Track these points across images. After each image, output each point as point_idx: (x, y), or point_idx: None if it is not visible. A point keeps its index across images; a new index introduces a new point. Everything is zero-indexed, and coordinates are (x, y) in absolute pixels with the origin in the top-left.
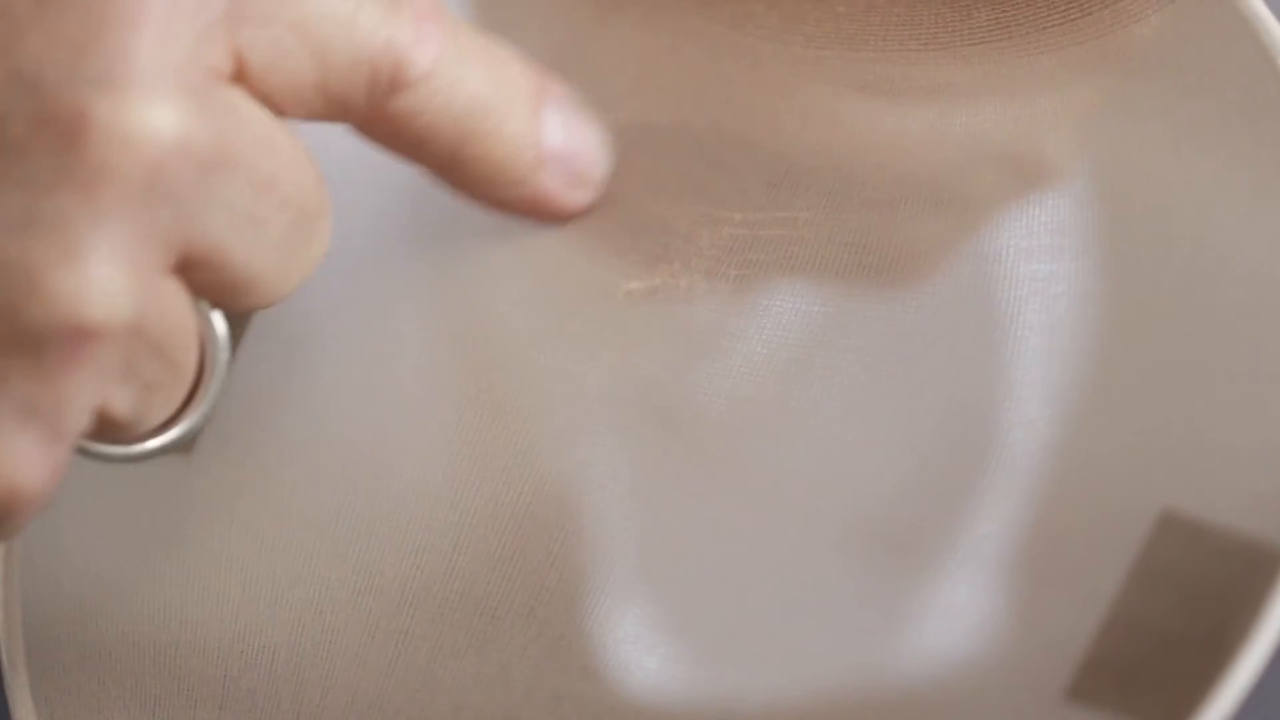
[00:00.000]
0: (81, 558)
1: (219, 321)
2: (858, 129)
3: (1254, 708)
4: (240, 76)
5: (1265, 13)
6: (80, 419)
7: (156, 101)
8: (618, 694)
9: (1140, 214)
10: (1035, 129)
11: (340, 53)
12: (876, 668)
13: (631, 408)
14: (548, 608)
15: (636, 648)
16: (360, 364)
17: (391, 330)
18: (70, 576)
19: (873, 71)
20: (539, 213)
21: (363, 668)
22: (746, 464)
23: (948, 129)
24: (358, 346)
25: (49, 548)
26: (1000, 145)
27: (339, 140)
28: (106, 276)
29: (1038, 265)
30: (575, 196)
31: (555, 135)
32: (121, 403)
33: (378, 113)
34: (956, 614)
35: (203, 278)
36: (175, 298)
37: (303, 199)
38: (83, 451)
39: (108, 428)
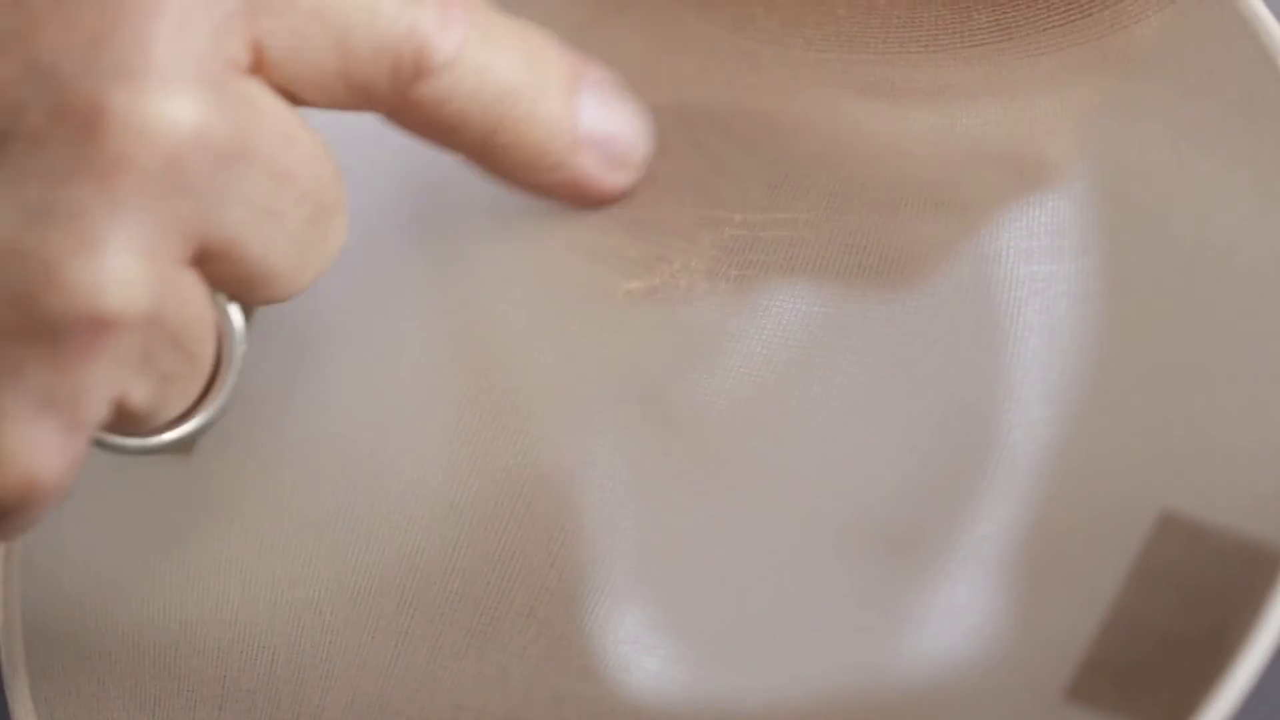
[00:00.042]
0: (81, 558)
1: (236, 315)
2: (858, 131)
3: (1254, 708)
4: (260, 66)
5: (1265, 13)
6: (98, 409)
7: (174, 93)
8: (618, 694)
9: (1140, 214)
10: (1035, 130)
11: (362, 40)
12: (876, 668)
13: (631, 408)
14: (548, 608)
15: (636, 648)
16: (360, 364)
17: (391, 330)
18: (70, 576)
19: (873, 73)
20: (579, 196)
21: (362, 668)
22: (746, 464)
23: (948, 130)
24: (358, 346)
25: (49, 548)
26: (1000, 146)
27: (339, 140)
28: (124, 266)
29: (1038, 266)
30: (615, 179)
31: (592, 118)
32: (139, 394)
33: (403, 100)
34: (956, 614)
35: (220, 270)
36: (193, 289)
37: (320, 193)
38: (99, 443)
39: (125, 419)
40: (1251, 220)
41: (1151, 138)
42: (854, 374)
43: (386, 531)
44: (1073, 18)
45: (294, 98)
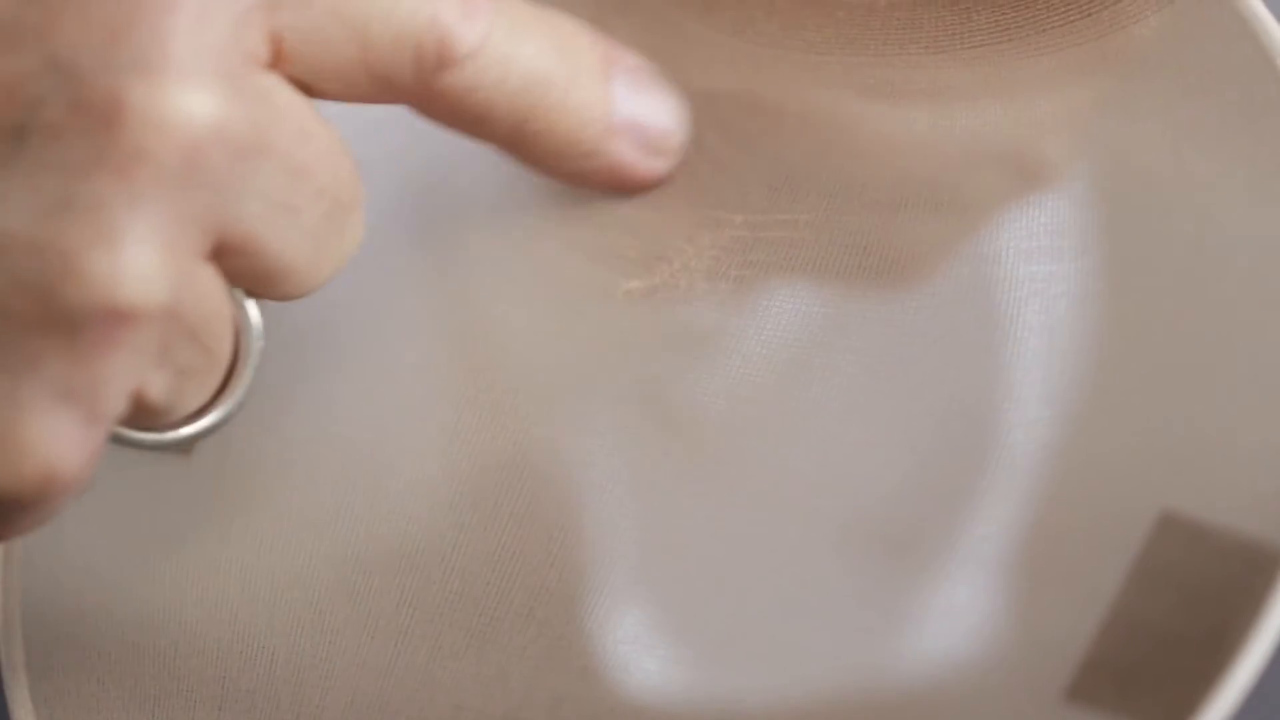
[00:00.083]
0: (81, 558)
1: (254, 310)
2: (858, 132)
3: (1254, 708)
4: (280, 59)
5: (1264, 13)
6: (117, 402)
7: (191, 87)
8: (617, 695)
9: (1140, 214)
10: (1035, 130)
11: (381, 33)
12: (876, 668)
13: (631, 407)
14: (547, 608)
15: (636, 648)
16: (360, 363)
17: (391, 329)
18: (70, 576)
19: (873, 75)
20: (616, 184)
21: (362, 668)
22: (746, 464)
23: (948, 131)
24: (358, 346)
25: (49, 548)
26: (1000, 147)
27: None
28: (142, 259)
29: (1037, 266)
30: (652, 165)
31: (625, 105)
32: (157, 387)
33: (428, 91)
34: (956, 614)
35: (237, 264)
36: (210, 283)
37: (337, 189)
38: (116, 438)
39: (143, 412)
40: (1251, 220)
41: (1151, 138)
42: (854, 374)
43: (386, 531)
44: (1072, 18)
45: (315, 90)
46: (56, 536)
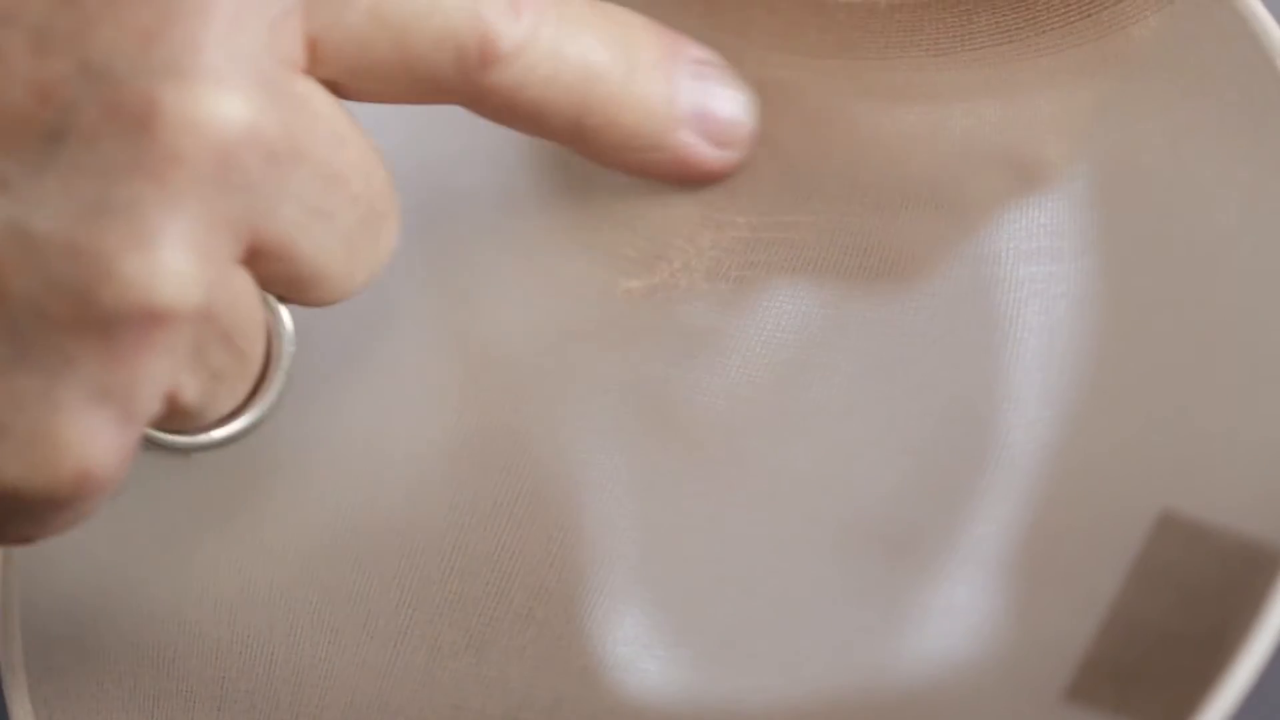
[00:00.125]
0: (81, 558)
1: (286, 316)
2: (859, 134)
3: (1254, 708)
4: (319, 62)
5: (1264, 14)
6: (151, 403)
7: (225, 91)
8: (617, 695)
9: (1139, 215)
10: (1035, 131)
11: (421, 34)
12: (876, 668)
13: (630, 407)
14: (546, 608)
15: (635, 649)
16: (359, 364)
17: (391, 330)
18: (70, 577)
19: (875, 78)
20: (683, 176)
21: (361, 668)
22: (746, 464)
23: (948, 132)
24: (357, 346)
25: (48, 548)
26: (1000, 148)
27: None
28: (177, 261)
29: (1037, 267)
30: (719, 157)
31: (690, 96)
32: (190, 389)
33: (475, 89)
34: (956, 614)
35: (271, 269)
36: (244, 287)
37: (371, 196)
38: (148, 440)
39: (175, 415)
40: (1251, 221)
41: (1151, 138)
42: (854, 374)
43: (385, 532)
44: (1072, 20)
45: (355, 91)
46: (56, 537)
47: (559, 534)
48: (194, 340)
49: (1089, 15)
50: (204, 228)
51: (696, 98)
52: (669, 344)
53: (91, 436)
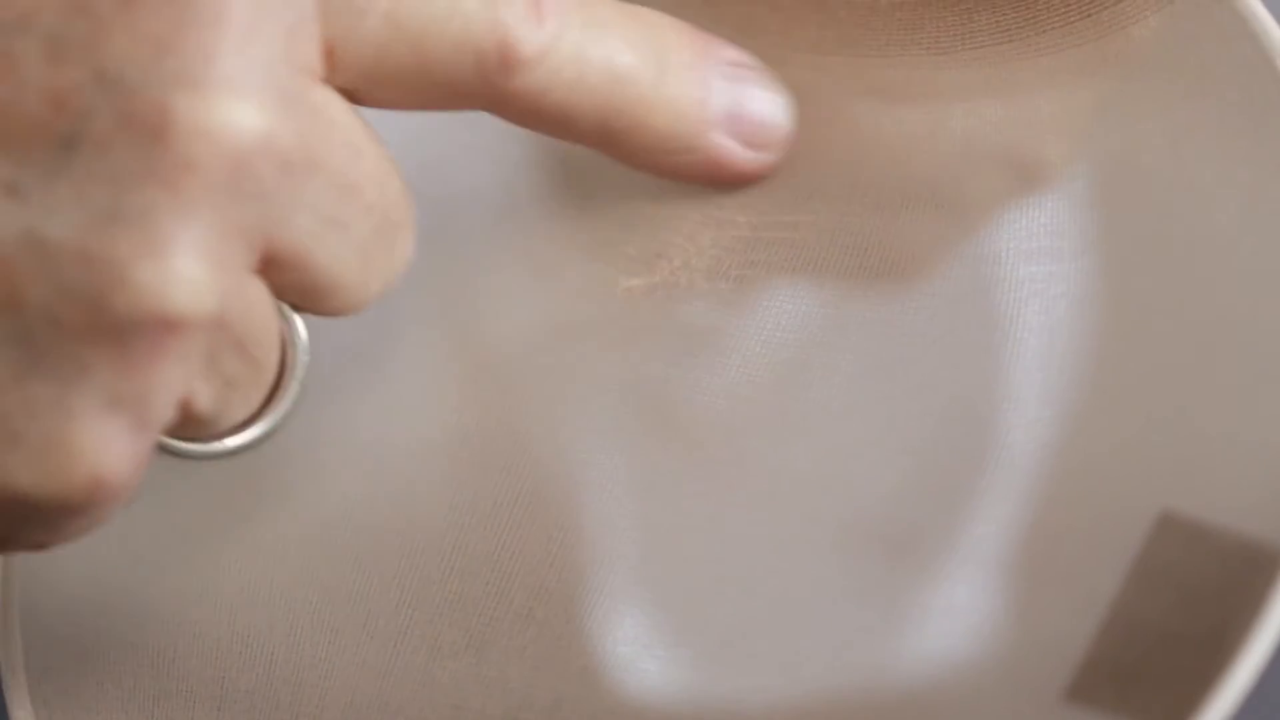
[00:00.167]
0: (81, 558)
1: (301, 326)
2: (860, 133)
3: (1254, 708)
4: (335, 70)
5: (1264, 14)
6: (164, 411)
7: (239, 100)
8: (617, 695)
9: (1139, 215)
10: (1035, 131)
11: (439, 40)
12: (876, 668)
13: (630, 407)
14: (546, 608)
15: (635, 649)
16: (359, 363)
17: (389, 328)
18: (70, 577)
19: (876, 76)
20: (717, 178)
21: (361, 668)
22: (746, 464)
23: (948, 131)
24: (356, 346)
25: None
26: (1000, 147)
27: None
28: (190, 269)
29: (1037, 267)
30: (753, 159)
31: (723, 98)
32: (204, 397)
33: (498, 94)
34: (956, 614)
35: (286, 278)
36: (258, 296)
37: (386, 206)
38: (162, 448)
39: (189, 422)
40: (1251, 221)
41: (1151, 138)
42: (854, 374)
43: (385, 531)
44: (1072, 19)
45: (375, 99)
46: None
47: (559, 534)
48: (208, 348)
49: (1089, 15)
50: (217, 236)
51: (729, 99)
52: (669, 343)
53: (105, 444)
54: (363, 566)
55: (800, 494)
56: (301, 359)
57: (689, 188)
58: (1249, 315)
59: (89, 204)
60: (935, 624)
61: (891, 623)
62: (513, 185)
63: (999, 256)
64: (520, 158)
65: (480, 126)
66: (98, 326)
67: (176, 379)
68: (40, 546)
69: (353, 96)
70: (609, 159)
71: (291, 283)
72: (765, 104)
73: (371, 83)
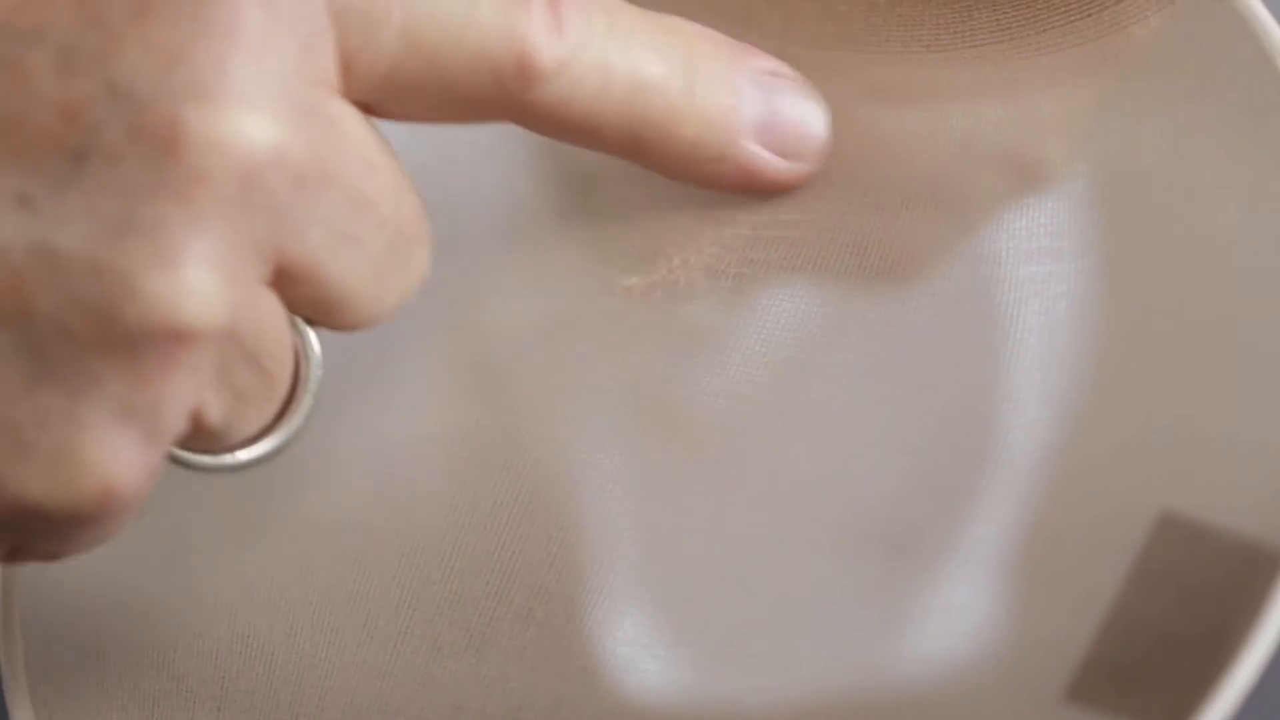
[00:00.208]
0: (81, 559)
1: (315, 340)
2: (860, 131)
3: (1254, 708)
4: (352, 83)
5: (1264, 14)
6: (176, 422)
7: (251, 112)
8: (617, 695)
9: (1139, 215)
10: (1035, 130)
11: (455, 54)
12: (876, 668)
13: (630, 406)
14: (546, 608)
15: (635, 649)
16: (358, 363)
17: (389, 328)
18: (70, 577)
19: (875, 73)
20: (750, 187)
21: (361, 668)
22: (746, 464)
23: (948, 131)
24: (355, 345)
25: None
26: (1000, 147)
27: None
28: (201, 280)
29: (1037, 267)
30: (788, 169)
31: (754, 107)
32: (215, 409)
33: (519, 106)
34: (956, 615)
35: (299, 292)
36: (271, 309)
37: (401, 221)
38: (173, 459)
39: (200, 435)
40: (1251, 221)
41: (1151, 138)
42: (854, 374)
43: (385, 531)
44: (1073, 18)
45: (394, 112)
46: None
47: (559, 534)
48: (219, 360)
49: (1089, 14)
50: (228, 248)
51: (762, 108)
52: (669, 343)
53: (115, 454)
54: (363, 566)
55: (800, 494)
56: (315, 373)
57: (688, 187)
58: (1249, 315)
59: (100, 215)
60: (935, 624)
61: (891, 623)
62: (513, 184)
63: (999, 256)
64: (520, 156)
65: (479, 127)
66: (108, 337)
67: (187, 390)
68: (52, 557)
69: (371, 109)
70: (608, 159)
71: (304, 296)
72: (800, 113)
73: (389, 96)
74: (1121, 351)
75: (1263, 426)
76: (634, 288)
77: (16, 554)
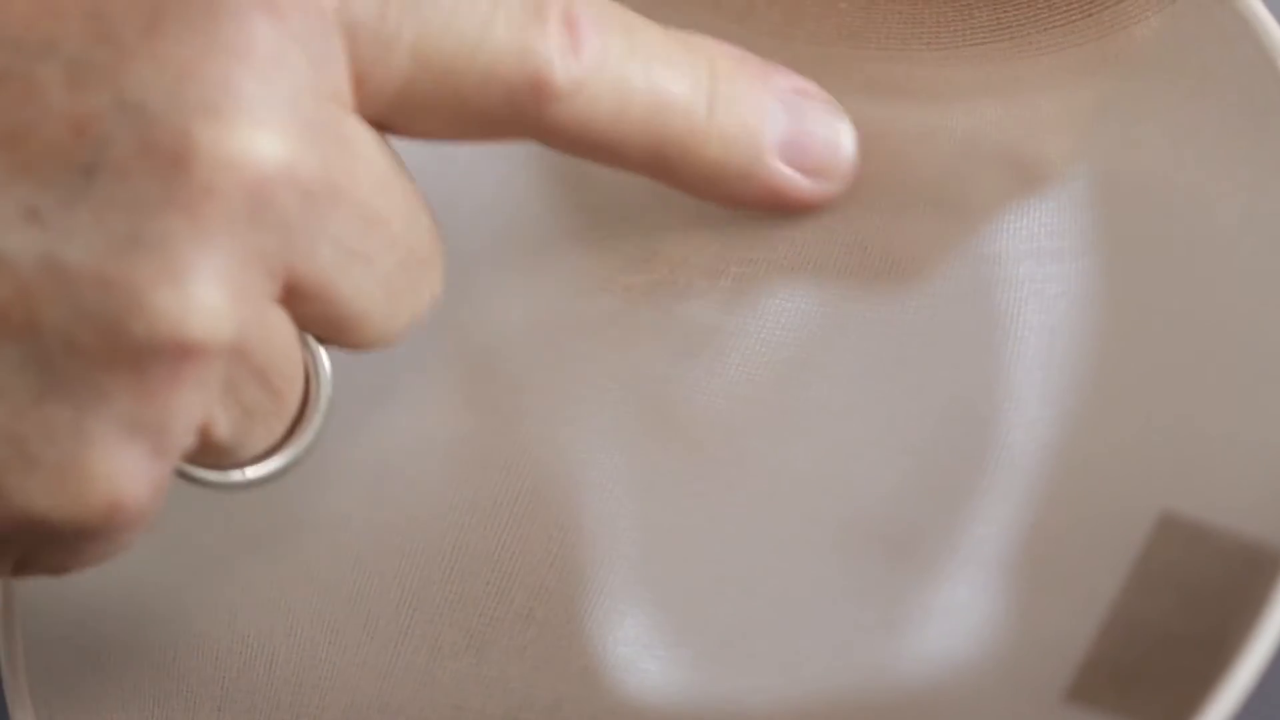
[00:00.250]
0: None
1: (326, 360)
2: (861, 131)
3: (1255, 708)
4: (366, 101)
5: (1265, 14)
6: (183, 437)
7: (260, 128)
8: (617, 695)
9: (1140, 215)
10: (1035, 130)
11: (466, 74)
12: (876, 668)
13: (630, 406)
14: (547, 608)
15: (636, 649)
16: (358, 363)
17: None
18: (70, 578)
19: (876, 70)
20: (777, 206)
21: (361, 668)
22: (746, 464)
23: (948, 130)
24: None
25: None
26: (1000, 146)
27: None
28: (209, 295)
29: (1037, 267)
30: (814, 188)
31: (779, 126)
32: (223, 425)
33: (536, 126)
34: (956, 615)
35: (309, 310)
36: (280, 326)
37: (412, 241)
38: (181, 475)
39: (209, 450)
40: (1251, 221)
41: (1151, 138)
42: (853, 374)
43: (385, 532)
44: (1073, 18)
45: (412, 131)
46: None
47: (559, 534)
48: (227, 376)
49: (1090, 14)
50: (237, 263)
51: (787, 127)
52: (669, 342)
53: (122, 468)
54: (363, 566)
55: (800, 494)
56: (325, 392)
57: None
58: (1249, 315)
59: (108, 230)
60: (935, 624)
61: (892, 623)
62: (513, 182)
63: (999, 256)
64: (520, 155)
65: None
66: (115, 351)
67: (195, 405)
68: (59, 570)
69: (386, 127)
70: None
71: (315, 314)
72: (827, 132)
73: (402, 114)
74: (1121, 351)
75: (1263, 426)
76: (634, 287)
77: (24, 567)
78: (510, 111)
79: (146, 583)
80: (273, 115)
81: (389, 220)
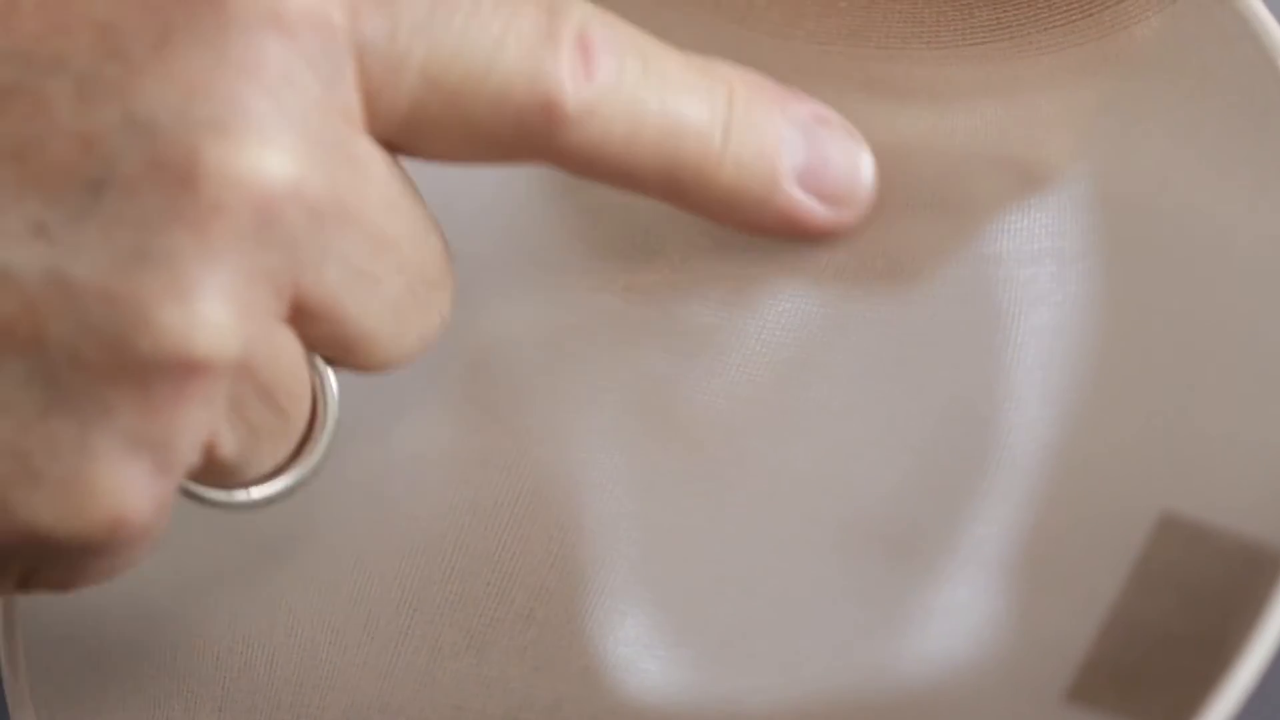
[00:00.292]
0: None
1: (333, 381)
2: (861, 131)
3: (1255, 709)
4: (376, 121)
5: (1265, 14)
6: (188, 454)
7: (268, 146)
8: (617, 695)
9: (1140, 216)
10: (1036, 131)
11: (476, 98)
12: (876, 668)
13: (631, 406)
14: (547, 609)
15: (636, 649)
16: None
17: None
18: None
19: (876, 70)
20: (793, 233)
21: (362, 669)
22: (746, 464)
23: (949, 130)
24: None
25: None
26: (1001, 147)
27: None
28: (215, 313)
29: (1038, 267)
30: (830, 216)
31: (796, 153)
32: (228, 444)
33: (548, 150)
34: (956, 615)
35: (317, 330)
36: (287, 345)
37: (422, 263)
38: (186, 493)
39: (214, 468)
40: (1252, 222)
41: (1152, 139)
42: (854, 374)
43: (385, 532)
44: (1074, 18)
45: (424, 153)
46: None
47: (559, 534)
48: (232, 393)
49: (1091, 14)
50: (243, 281)
51: (804, 154)
52: (669, 342)
53: (126, 484)
54: (364, 566)
55: (800, 494)
56: (332, 413)
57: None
58: (1249, 315)
59: (115, 245)
60: (936, 624)
61: (892, 623)
62: (513, 183)
63: (1000, 257)
64: None
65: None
66: (120, 367)
67: (200, 422)
68: (64, 587)
69: (397, 148)
70: None
71: (322, 334)
72: (844, 159)
73: (413, 135)
74: (1122, 351)
75: (1263, 426)
76: (634, 287)
77: (28, 582)
78: (521, 134)
79: (147, 583)
80: (281, 133)
81: (398, 241)
